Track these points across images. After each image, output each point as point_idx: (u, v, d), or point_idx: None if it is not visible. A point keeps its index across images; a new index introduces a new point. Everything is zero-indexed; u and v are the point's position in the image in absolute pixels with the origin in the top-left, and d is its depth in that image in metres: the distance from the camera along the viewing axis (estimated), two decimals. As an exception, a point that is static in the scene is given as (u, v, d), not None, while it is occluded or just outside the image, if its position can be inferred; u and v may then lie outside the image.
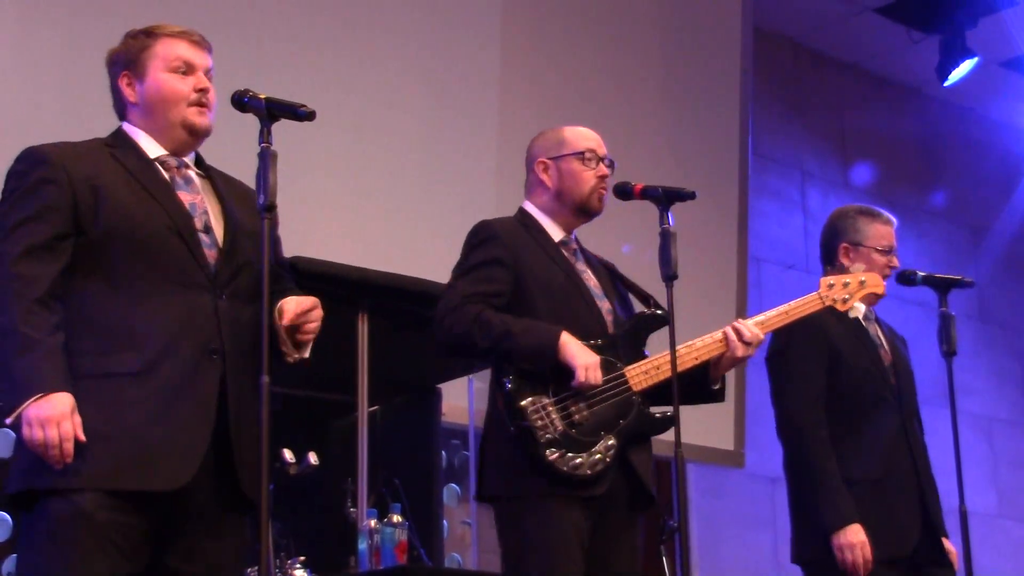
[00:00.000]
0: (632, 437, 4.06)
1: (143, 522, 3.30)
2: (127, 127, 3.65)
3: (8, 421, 3.24)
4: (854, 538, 4.47)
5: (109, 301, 3.42)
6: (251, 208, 3.58)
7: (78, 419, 3.23)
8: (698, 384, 4.22)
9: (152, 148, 3.61)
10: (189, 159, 3.66)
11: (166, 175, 3.59)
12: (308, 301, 3.51)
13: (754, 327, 4.23)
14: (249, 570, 4.68)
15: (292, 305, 3.50)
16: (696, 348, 4.16)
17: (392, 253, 5.51)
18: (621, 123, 6.45)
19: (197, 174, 3.65)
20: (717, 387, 4.28)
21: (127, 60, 3.65)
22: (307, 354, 3.56)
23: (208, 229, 3.56)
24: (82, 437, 3.21)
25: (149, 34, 3.66)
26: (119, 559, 3.22)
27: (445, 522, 6.94)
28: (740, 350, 4.18)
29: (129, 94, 3.65)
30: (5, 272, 3.34)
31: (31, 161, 3.49)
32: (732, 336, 4.17)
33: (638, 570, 4.15)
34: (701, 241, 7.49)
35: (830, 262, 4.83)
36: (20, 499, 3.33)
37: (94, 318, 3.41)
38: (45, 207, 3.42)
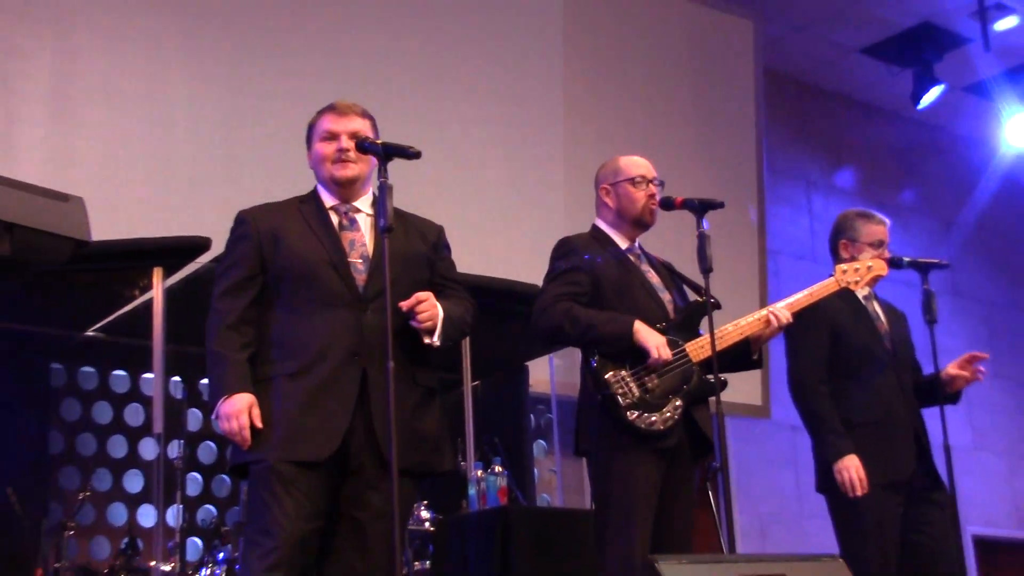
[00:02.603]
0: (694, 398, 4.10)
1: (318, 478, 3.47)
2: (316, 185, 3.84)
3: (213, 416, 3.56)
4: (849, 463, 4.53)
5: (284, 320, 3.60)
6: (417, 236, 3.79)
7: (256, 411, 3.44)
8: (742, 355, 4.28)
9: (328, 199, 3.74)
10: (361, 203, 3.75)
11: (335, 219, 3.70)
12: (417, 296, 3.54)
13: (785, 309, 4.30)
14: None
15: (411, 300, 3.53)
16: (741, 327, 4.22)
17: (483, 260, 5.53)
18: (663, 149, 6.51)
19: (366, 214, 3.73)
20: (756, 357, 4.34)
21: (307, 136, 3.85)
22: (438, 341, 3.57)
23: (364, 259, 3.62)
24: (259, 424, 3.43)
25: (317, 115, 3.83)
26: (302, 499, 3.40)
27: (536, 471, 6.98)
28: (776, 328, 4.25)
29: (309, 160, 3.83)
30: (212, 306, 3.64)
31: (235, 223, 3.73)
32: (772, 318, 4.25)
33: (694, 503, 4.20)
34: (730, 240, 7.49)
35: (834, 254, 4.90)
36: (236, 469, 3.65)
37: (274, 336, 3.59)
38: (240, 257, 3.65)
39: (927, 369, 4.88)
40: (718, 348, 4.02)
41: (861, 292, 4.77)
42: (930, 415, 4.80)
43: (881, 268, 4.61)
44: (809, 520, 8.16)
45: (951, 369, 4.79)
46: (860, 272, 4.57)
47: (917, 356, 4.98)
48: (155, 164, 6.18)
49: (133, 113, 6.20)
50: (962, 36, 9.07)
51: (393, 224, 3.46)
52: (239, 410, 3.42)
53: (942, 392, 4.77)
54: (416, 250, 3.73)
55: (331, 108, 3.79)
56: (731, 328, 4.21)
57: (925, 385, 4.88)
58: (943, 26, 9.01)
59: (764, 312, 4.30)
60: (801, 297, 4.45)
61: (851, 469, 4.54)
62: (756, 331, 4.26)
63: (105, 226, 3.55)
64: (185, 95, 6.39)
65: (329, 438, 3.45)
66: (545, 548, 4.84)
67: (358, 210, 3.73)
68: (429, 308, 3.54)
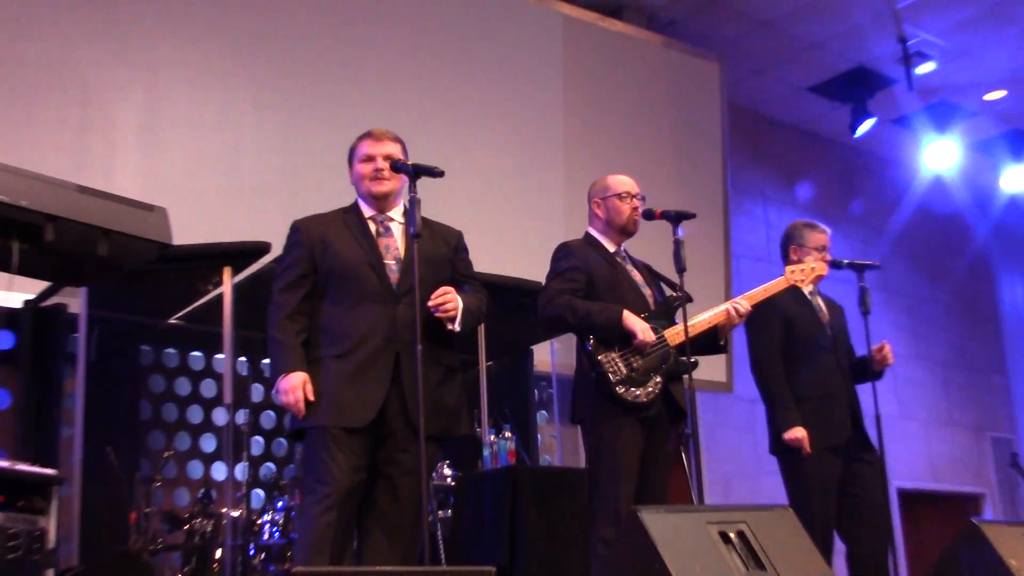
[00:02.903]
0: (671, 376, 4.10)
1: (361, 440, 3.53)
2: (357, 199, 3.84)
3: (273, 391, 3.60)
4: (796, 433, 4.53)
5: (331, 312, 3.64)
6: (441, 241, 3.79)
7: (309, 387, 3.50)
8: (711, 342, 4.27)
9: (367, 210, 3.78)
10: (394, 213, 3.76)
11: (373, 227, 3.72)
12: (441, 291, 3.57)
13: (744, 302, 4.30)
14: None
15: (436, 294, 3.57)
16: (708, 319, 4.22)
17: (495, 260, 5.53)
18: (645, 169, 6.51)
19: (398, 223, 3.74)
20: (723, 343, 4.33)
21: (348, 157, 3.87)
22: (458, 327, 3.59)
23: (397, 260, 3.64)
24: (311, 397, 3.49)
25: (358, 140, 3.85)
26: (350, 456, 3.47)
27: (539, 436, 6.97)
28: (737, 319, 4.24)
29: (350, 177, 3.82)
30: (272, 299, 3.66)
31: (291, 231, 3.78)
32: (732, 310, 4.24)
33: (670, 463, 4.19)
34: (700, 245, 7.50)
35: (785, 257, 4.88)
36: (294, 434, 3.72)
37: (324, 325, 3.63)
38: (295, 259, 3.70)
39: (860, 352, 4.87)
40: (691, 335, 4.05)
41: (807, 289, 4.77)
42: (864, 390, 4.80)
43: (823, 269, 4.63)
44: (764, 477, 8.13)
45: (873, 353, 4.80)
46: (806, 272, 4.59)
47: (852, 342, 4.98)
48: (225, 180, 6.19)
49: (207, 138, 6.21)
50: (890, 78, 9.09)
51: (421, 231, 3.50)
52: (295, 386, 3.47)
53: (870, 371, 4.78)
54: (440, 252, 3.75)
55: (368, 135, 3.81)
56: (702, 318, 4.23)
57: (858, 365, 4.88)
58: (875, 70, 9.05)
59: (727, 305, 4.32)
60: (757, 292, 4.46)
61: (800, 439, 4.55)
62: (721, 321, 4.26)
63: (184, 232, 3.55)
64: (250, 123, 6.40)
65: (369, 408, 3.50)
66: (546, 501, 4.83)
67: (392, 219, 3.76)
68: (451, 300, 3.56)
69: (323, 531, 3.36)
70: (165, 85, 6.13)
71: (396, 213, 3.76)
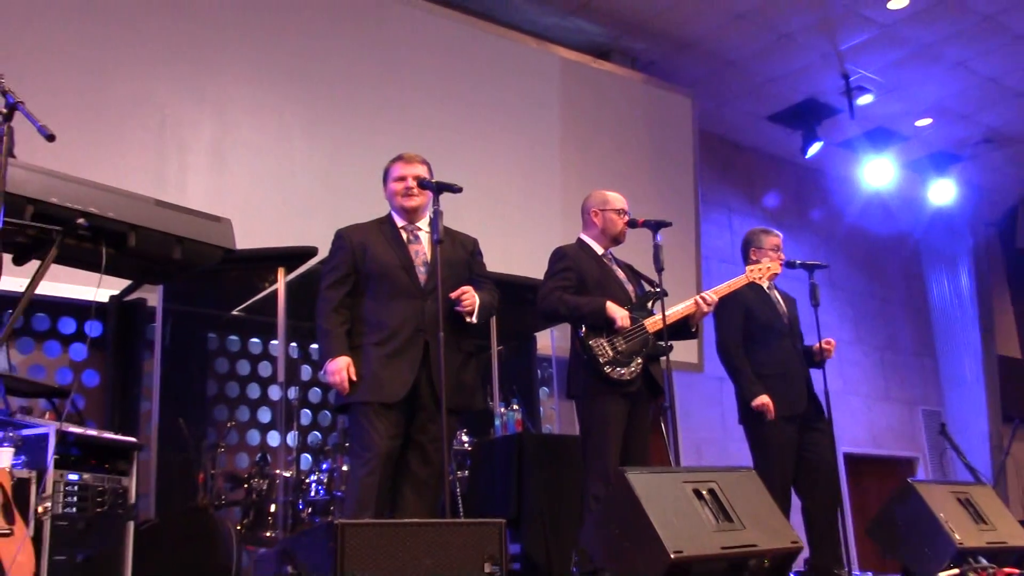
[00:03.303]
0: (650, 358, 4.09)
1: (396, 413, 3.55)
2: (391, 211, 3.84)
3: (321, 372, 3.62)
4: (764, 399, 4.52)
5: (370, 307, 3.66)
6: (460, 246, 3.81)
7: (352, 369, 3.54)
8: (683, 327, 4.26)
9: (399, 221, 3.85)
10: (422, 223, 3.78)
11: (404, 235, 3.74)
12: (461, 289, 3.59)
13: (712, 295, 4.28)
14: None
15: (457, 292, 3.58)
16: (681, 310, 4.21)
17: (504, 261, 5.53)
18: (629, 184, 6.43)
19: (425, 231, 3.75)
20: (694, 330, 4.31)
21: (383, 176, 3.88)
22: (475, 319, 3.63)
23: (425, 263, 3.66)
24: (354, 378, 3.55)
25: (391, 162, 3.87)
26: (389, 425, 3.52)
27: (541, 409, 6.94)
28: (705, 309, 4.22)
29: (384, 193, 3.86)
30: (319, 295, 3.68)
31: (335, 238, 3.81)
32: (701, 302, 4.23)
33: (649, 431, 4.18)
34: (675, 249, 7.46)
35: (745, 258, 4.87)
36: (339, 408, 3.72)
37: (364, 316, 3.65)
38: (339, 262, 3.72)
39: (809, 338, 4.86)
40: (662, 325, 4.05)
41: (764, 284, 4.76)
42: (814, 370, 4.79)
43: (776, 268, 4.64)
44: (731, 444, 8.13)
45: (816, 347, 4.78)
46: (762, 271, 4.58)
47: (802, 329, 4.96)
48: (279, 196, 6.18)
49: (265, 161, 6.21)
50: (835, 108, 9.03)
51: (443, 238, 3.54)
52: (340, 368, 3.50)
53: (814, 361, 4.78)
54: (459, 256, 3.76)
55: (400, 158, 3.81)
56: (676, 309, 4.23)
57: (805, 352, 4.87)
58: (822, 101, 8.99)
59: (696, 297, 4.31)
60: (722, 287, 4.46)
61: (764, 404, 4.54)
62: (692, 310, 4.25)
63: (245, 238, 3.55)
64: (301, 148, 6.39)
65: (403, 387, 3.52)
66: (547, 463, 4.82)
67: (419, 229, 3.78)
68: (470, 297, 3.60)
69: (368, 491, 3.40)
70: (230, 116, 6.14)
71: (423, 223, 3.78)
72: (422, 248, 3.71)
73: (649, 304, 4.20)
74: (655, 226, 4.13)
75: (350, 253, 3.67)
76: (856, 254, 10.68)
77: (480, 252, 3.89)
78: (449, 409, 3.42)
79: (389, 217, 3.81)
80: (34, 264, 2.50)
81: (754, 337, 4.72)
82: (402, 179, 3.74)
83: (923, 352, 11.05)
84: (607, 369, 3.97)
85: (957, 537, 4.08)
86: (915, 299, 11.24)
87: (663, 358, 4.09)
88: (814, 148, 8.95)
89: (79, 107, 5.52)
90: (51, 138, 2.33)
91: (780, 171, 10.19)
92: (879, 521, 4.44)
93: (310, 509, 4.97)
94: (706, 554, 3.09)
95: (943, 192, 10.19)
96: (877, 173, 9.62)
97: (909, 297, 11.18)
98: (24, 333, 5.51)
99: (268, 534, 4.80)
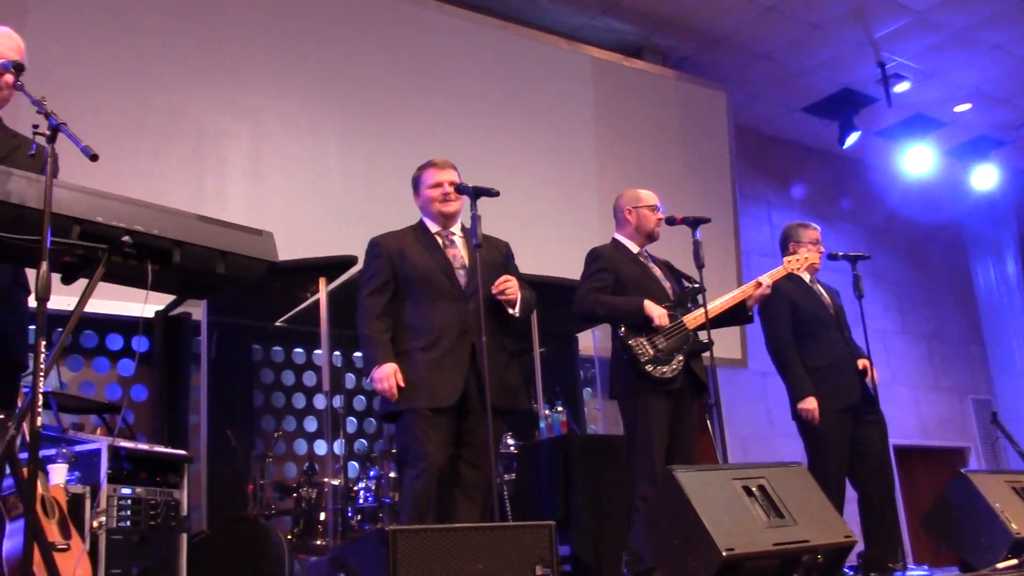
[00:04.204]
0: (692, 354, 4.06)
1: (447, 416, 3.55)
2: (422, 217, 3.84)
3: (366, 380, 3.62)
4: (809, 404, 4.47)
5: (413, 311, 3.67)
6: (495, 250, 3.80)
7: (399, 375, 3.52)
8: (739, 312, 4.24)
9: (432, 227, 3.83)
10: (455, 228, 3.81)
11: (440, 240, 3.73)
12: (504, 278, 3.60)
13: (767, 278, 4.27)
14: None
15: (499, 283, 3.58)
16: (736, 295, 4.25)
17: (539, 263, 5.52)
18: (667, 182, 6.40)
19: (459, 236, 3.77)
20: (750, 313, 4.32)
21: (413, 184, 3.86)
22: (517, 312, 3.62)
23: (463, 267, 3.66)
24: (402, 384, 3.52)
25: (421, 169, 3.87)
26: (440, 431, 3.51)
27: (585, 409, 6.92)
28: (765, 291, 4.26)
29: (416, 201, 3.84)
30: (361, 303, 3.67)
31: (370, 246, 3.80)
32: (762, 281, 4.26)
33: (694, 428, 4.14)
34: (714, 244, 7.42)
35: (784, 253, 4.82)
36: (388, 416, 3.65)
37: (406, 322, 3.63)
38: (378, 269, 3.71)
39: (855, 328, 4.80)
40: (721, 310, 4.11)
41: (806, 277, 4.72)
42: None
43: (815, 258, 4.70)
44: (776, 439, 8.07)
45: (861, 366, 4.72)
46: (800, 261, 4.56)
47: (848, 321, 4.90)
48: (318, 207, 6.23)
49: (302, 173, 6.26)
50: (871, 97, 8.96)
51: (481, 242, 3.51)
52: (388, 375, 3.47)
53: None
54: (495, 260, 3.75)
55: (431, 164, 3.81)
56: (725, 299, 4.22)
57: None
58: (858, 90, 8.92)
59: (754, 281, 4.32)
60: (773, 272, 4.45)
61: (811, 411, 4.50)
62: (749, 293, 4.25)
63: (285, 250, 3.56)
64: (336, 160, 6.44)
65: (454, 390, 3.51)
66: (593, 463, 4.81)
67: (454, 234, 3.77)
68: (512, 287, 3.60)
69: (423, 501, 3.38)
70: (266, 130, 6.20)
71: (457, 228, 3.79)
72: (459, 252, 3.70)
73: (687, 302, 4.18)
74: (694, 223, 4.09)
75: (388, 260, 3.67)
76: (899, 244, 10.55)
77: (512, 255, 3.89)
78: (496, 409, 3.41)
79: (421, 223, 3.80)
80: (82, 283, 2.54)
81: (803, 331, 4.69)
82: (438, 185, 3.74)
83: (971, 340, 10.88)
84: (648, 368, 3.95)
85: (1014, 527, 4.01)
86: (961, 287, 11.07)
87: (706, 354, 4.05)
88: (852, 138, 8.88)
89: (118, 125, 5.60)
90: (95, 158, 2.36)
91: (818, 163, 10.10)
92: (934, 513, 4.37)
93: (359, 516, 4.98)
94: (758, 551, 3.05)
95: (985, 178, 10.04)
96: (917, 161, 9.53)
97: (954, 285, 11.01)
98: (73, 351, 5.59)
99: (318, 542, 4.83)
